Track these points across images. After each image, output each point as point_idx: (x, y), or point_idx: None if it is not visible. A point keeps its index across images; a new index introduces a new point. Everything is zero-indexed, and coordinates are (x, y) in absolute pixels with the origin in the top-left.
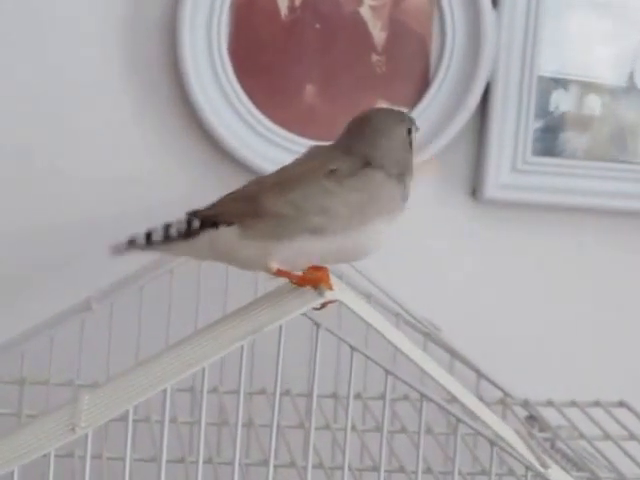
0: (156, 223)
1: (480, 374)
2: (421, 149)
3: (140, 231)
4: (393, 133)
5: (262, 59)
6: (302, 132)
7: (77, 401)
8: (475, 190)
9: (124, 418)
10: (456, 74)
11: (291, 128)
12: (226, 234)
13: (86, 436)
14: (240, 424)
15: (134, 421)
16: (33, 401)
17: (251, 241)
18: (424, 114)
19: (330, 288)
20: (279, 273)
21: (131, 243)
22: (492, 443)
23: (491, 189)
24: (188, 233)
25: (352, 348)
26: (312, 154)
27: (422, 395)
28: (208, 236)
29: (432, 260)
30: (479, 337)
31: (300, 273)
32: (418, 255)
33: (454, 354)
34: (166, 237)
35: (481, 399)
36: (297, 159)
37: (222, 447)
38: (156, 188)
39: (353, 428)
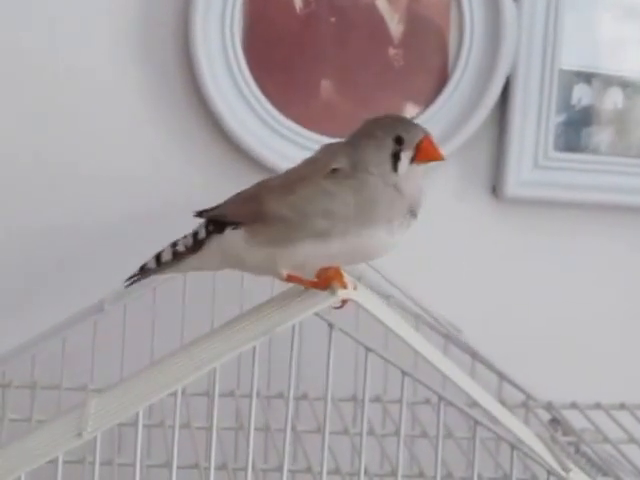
0: (170, 222)
1: (502, 376)
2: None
3: (152, 230)
4: (373, 137)
5: (277, 54)
6: (318, 128)
7: (85, 405)
8: (495, 187)
9: (136, 423)
10: (475, 68)
11: (307, 124)
12: (232, 238)
13: (95, 441)
14: (252, 428)
15: (148, 426)
16: (45, 406)
17: (257, 247)
18: (443, 109)
19: (343, 286)
20: (290, 279)
21: (143, 270)
22: (513, 447)
23: (512, 186)
24: (195, 245)
25: (367, 349)
26: (321, 152)
27: (440, 398)
28: (215, 242)
29: (452, 260)
30: (501, 338)
31: (312, 277)
32: (438, 255)
33: (475, 356)
34: (175, 255)
35: (503, 402)
36: (306, 158)
37: (239, 452)
38: (170, 186)
39: (372, 432)
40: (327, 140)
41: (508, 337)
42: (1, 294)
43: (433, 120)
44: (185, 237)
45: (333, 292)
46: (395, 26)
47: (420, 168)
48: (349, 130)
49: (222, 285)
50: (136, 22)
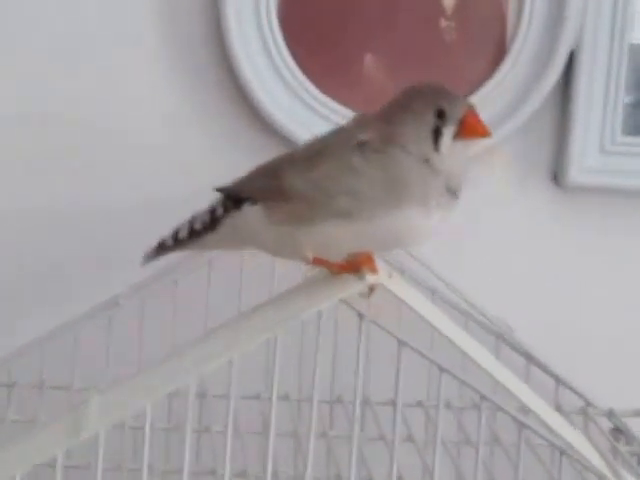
0: (199, 203)
1: (559, 380)
2: (495, 129)
3: (179, 213)
4: (411, 110)
5: (316, 26)
6: (362, 108)
7: (86, 403)
8: (557, 174)
9: (144, 421)
10: (536, 42)
11: (350, 104)
12: (250, 215)
13: (103, 442)
14: (273, 433)
15: (166, 430)
16: (54, 407)
17: (276, 225)
18: (499, 88)
19: (374, 271)
20: (316, 262)
21: (161, 247)
22: (562, 452)
23: (575, 173)
24: (212, 223)
25: (400, 343)
26: (350, 123)
27: (482, 398)
28: (231, 220)
29: (507, 253)
30: (558, 338)
31: (340, 261)
32: (492, 247)
33: (530, 358)
34: (191, 232)
35: (559, 408)
36: (333, 128)
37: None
38: (200, 167)
39: (411, 439)
40: None
41: (566, 338)
42: (10, 288)
43: (488, 100)
44: (203, 214)
45: (361, 277)
46: None
47: (463, 145)
48: None
49: (250, 276)
50: None
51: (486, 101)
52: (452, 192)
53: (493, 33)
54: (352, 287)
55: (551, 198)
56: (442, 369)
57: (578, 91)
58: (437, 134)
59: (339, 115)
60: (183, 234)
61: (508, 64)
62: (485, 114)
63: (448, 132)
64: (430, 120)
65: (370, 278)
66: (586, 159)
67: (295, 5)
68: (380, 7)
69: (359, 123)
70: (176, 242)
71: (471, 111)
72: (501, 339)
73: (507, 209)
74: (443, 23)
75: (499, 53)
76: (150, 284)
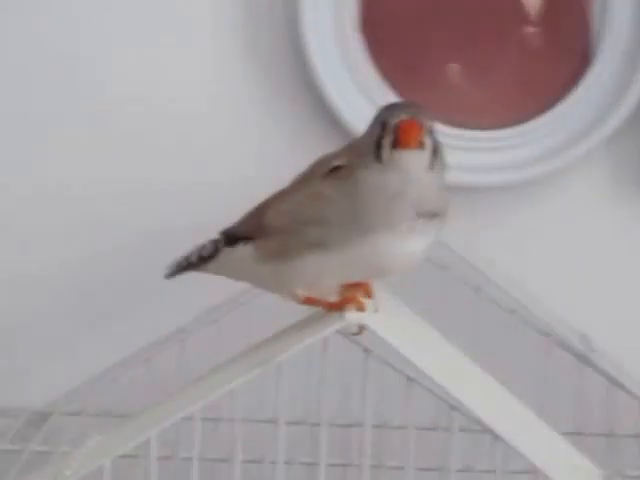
0: None
1: None
2: (583, 139)
3: None
4: (370, 127)
5: (397, 34)
6: (445, 118)
7: (82, 445)
8: None
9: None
10: (622, 48)
11: (433, 115)
12: (240, 253)
13: None
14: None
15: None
16: None
17: (262, 263)
18: (586, 96)
19: (360, 309)
20: (307, 301)
21: (178, 266)
22: None
23: None
24: (213, 253)
25: (409, 379)
26: (335, 150)
27: (496, 438)
28: (225, 256)
29: (595, 268)
30: None
31: (330, 298)
32: (578, 263)
33: (613, 380)
34: (200, 258)
35: None
36: (317, 158)
37: None
38: (277, 181)
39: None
40: (455, 132)
41: None
42: (80, 317)
43: (575, 109)
44: (211, 242)
45: (341, 316)
46: (531, 1)
47: (418, 160)
48: (479, 119)
49: None
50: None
51: (573, 111)
52: (426, 215)
53: (578, 39)
54: (332, 326)
55: None
56: (452, 407)
57: None
58: (379, 146)
59: None
60: (194, 258)
61: (596, 71)
62: (572, 123)
63: (386, 143)
64: (377, 132)
65: (350, 317)
66: None
67: (376, 15)
68: (464, 15)
69: (339, 150)
70: (188, 264)
71: (404, 120)
72: (582, 360)
73: (599, 223)
74: (527, 30)
75: (585, 60)
76: (224, 305)
